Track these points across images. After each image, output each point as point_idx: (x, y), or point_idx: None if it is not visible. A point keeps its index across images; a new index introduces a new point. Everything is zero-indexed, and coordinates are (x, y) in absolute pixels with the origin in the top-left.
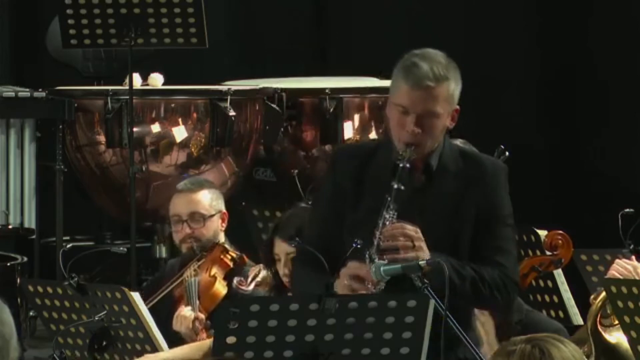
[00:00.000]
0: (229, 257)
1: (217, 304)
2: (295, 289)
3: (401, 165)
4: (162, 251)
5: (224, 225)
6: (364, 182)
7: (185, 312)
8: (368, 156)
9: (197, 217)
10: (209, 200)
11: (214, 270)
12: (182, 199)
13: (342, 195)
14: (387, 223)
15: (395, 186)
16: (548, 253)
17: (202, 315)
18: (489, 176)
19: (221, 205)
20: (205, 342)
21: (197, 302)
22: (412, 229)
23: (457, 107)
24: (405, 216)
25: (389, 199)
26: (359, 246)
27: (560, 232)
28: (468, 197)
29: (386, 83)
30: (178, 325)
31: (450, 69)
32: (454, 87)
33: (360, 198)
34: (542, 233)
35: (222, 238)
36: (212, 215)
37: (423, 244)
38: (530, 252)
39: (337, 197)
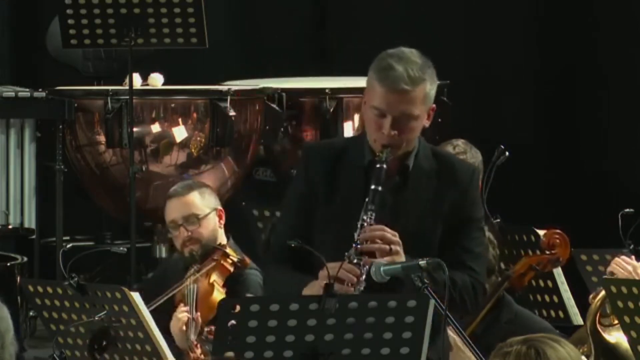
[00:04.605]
0: (230, 261)
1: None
2: (271, 287)
3: (378, 166)
4: (162, 251)
5: (222, 222)
6: (335, 179)
7: (181, 314)
8: (339, 154)
9: (192, 219)
10: (200, 199)
11: (214, 277)
12: (174, 204)
13: (313, 193)
14: (365, 225)
15: (373, 187)
16: (546, 252)
17: (199, 319)
18: (463, 177)
19: (215, 203)
20: None
21: (195, 310)
22: (390, 232)
23: (434, 105)
24: (380, 217)
25: (367, 200)
26: (359, 246)
27: (558, 231)
28: (443, 197)
29: None
30: (173, 325)
31: (426, 69)
32: (430, 87)
33: (331, 195)
34: (540, 232)
35: (222, 236)
36: (206, 214)
37: (400, 248)
38: (530, 252)
39: (309, 195)
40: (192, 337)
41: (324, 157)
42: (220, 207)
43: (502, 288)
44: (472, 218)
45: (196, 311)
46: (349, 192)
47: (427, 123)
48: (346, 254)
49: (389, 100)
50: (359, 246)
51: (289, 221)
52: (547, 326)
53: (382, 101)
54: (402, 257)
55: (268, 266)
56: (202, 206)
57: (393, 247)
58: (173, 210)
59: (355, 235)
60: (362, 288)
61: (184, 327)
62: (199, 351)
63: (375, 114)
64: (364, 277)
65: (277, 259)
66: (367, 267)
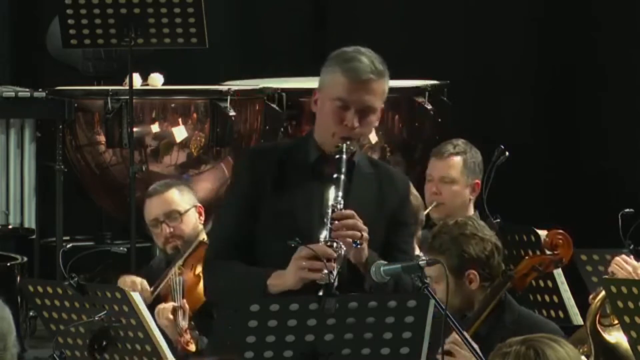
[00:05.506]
0: None
1: (202, 304)
2: (218, 286)
3: (337, 156)
4: None
5: (202, 218)
6: (281, 179)
7: (166, 305)
8: (283, 155)
9: (174, 215)
10: (179, 196)
11: (199, 269)
12: (154, 202)
13: (258, 193)
14: (336, 210)
15: (336, 176)
16: (548, 253)
17: (186, 306)
18: (402, 185)
19: (194, 199)
20: None
21: (182, 300)
22: (360, 221)
23: (382, 105)
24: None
25: (332, 187)
26: (359, 246)
27: (561, 231)
28: (384, 201)
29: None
30: (159, 318)
31: (385, 66)
32: (387, 84)
33: (277, 195)
34: (542, 233)
35: (203, 233)
36: (187, 210)
37: (367, 237)
38: (530, 252)
39: (254, 195)
40: (182, 323)
41: (268, 158)
42: (199, 204)
43: (504, 288)
44: (407, 223)
45: (184, 301)
46: (295, 190)
47: (377, 122)
48: (320, 237)
49: (354, 90)
50: (332, 229)
51: (232, 221)
52: (552, 327)
53: (345, 92)
54: (366, 249)
55: (212, 264)
56: (182, 202)
57: (364, 234)
58: (154, 208)
59: (325, 219)
60: (339, 269)
61: (171, 316)
62: (188, 336)
63: (337, 106)
64: (341, 259)
65: (220, 257)
66: (344, 250)
